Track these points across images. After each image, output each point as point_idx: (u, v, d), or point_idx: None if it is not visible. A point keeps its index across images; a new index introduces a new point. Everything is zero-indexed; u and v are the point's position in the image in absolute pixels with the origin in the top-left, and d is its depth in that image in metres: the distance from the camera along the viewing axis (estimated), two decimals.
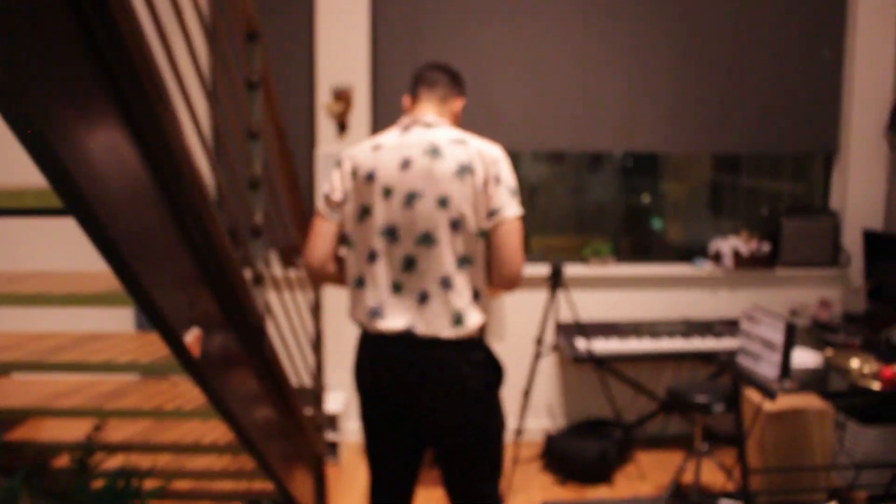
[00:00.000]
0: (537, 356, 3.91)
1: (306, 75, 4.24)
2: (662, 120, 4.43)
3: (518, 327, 4.39)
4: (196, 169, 1.57)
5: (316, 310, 3.30)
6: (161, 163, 1.45)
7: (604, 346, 4.02)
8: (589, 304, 4.39)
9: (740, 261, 4.36)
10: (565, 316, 4.13)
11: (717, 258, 4.45)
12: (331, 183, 2.27)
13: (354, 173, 2.22)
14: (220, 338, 1.86)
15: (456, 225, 2.10)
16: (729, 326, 4.25)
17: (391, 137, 2.23)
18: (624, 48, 4.37)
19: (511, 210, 2.11)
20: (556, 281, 3.88)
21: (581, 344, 4.00)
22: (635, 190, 7.70)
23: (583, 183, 7.33)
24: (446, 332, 2.13)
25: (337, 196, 2.23)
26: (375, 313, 2.19)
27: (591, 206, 7.32)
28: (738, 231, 4.67)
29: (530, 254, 4.70)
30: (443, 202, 2.10)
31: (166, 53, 1.52)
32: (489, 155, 2.13)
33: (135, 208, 1.34)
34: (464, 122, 4.24)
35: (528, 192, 6.66)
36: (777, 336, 3.11)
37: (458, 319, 2.13)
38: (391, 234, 2.16)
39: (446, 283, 2.13)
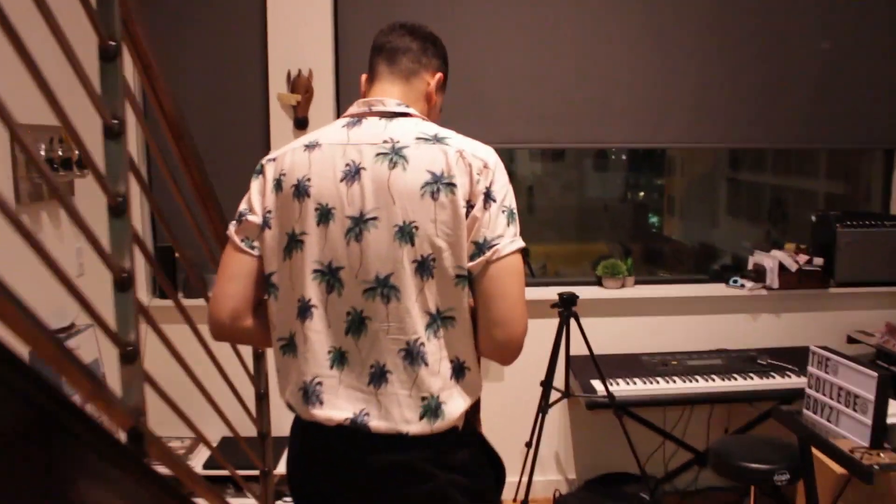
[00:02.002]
0: (544, 407, 3.14)
1: (256, 59, 3.45)
2: (688, 111, 3.66)
3: (519, 363, 3.62)
4: None
5: (258, 359, 2.52)
6: None
7: (625, 389, 3.26)
8: (604, 334, 3.62)
9: (787, 279, 3.61)
10: (576, 348, 3.36)
11: (757, 275, 3.69)
12: (248, 198, 1.53)
13: (279, 184, 1.48)
14: (39, 481, 1.08)
15: (425, 266, 1.39)
16: (774, 358, 3.49)
17: (333, 132, 1.49)
18: (643, 27, 3.59)
19: (507, 242, 1.39)
20: (567, 314, 3.12)
21: (598, 385, 3.24)
22: (644, 189, 6.88)
23: (585, 182, 6.54)
24: (414, 426, 1.40)
25: (255, 217, 1.49)
26: (309, 395, 1.46)
27: (595, 208, 6.54)
28: (772, 239, 3.92)
29: (526, 267, 3.94)
30: (405, 232, 1.38)
31: None
32: (476, 159, 1.39)
33: None
34: (446, 114, 3.49)
35: (523, 193, 5.90)
36: (865, 390, 2.35)
37: (431, 409, 1.41)
38: (330, 277, 1.43)
39: (412, 354, 1.40)
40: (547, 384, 3.17)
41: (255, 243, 1.50)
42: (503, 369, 3.62)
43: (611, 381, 3.29)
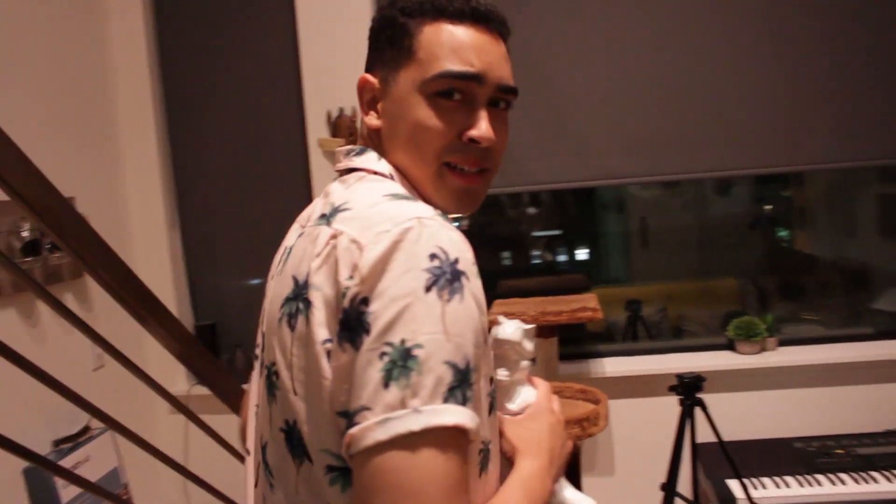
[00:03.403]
0: None
1: (291, 97, 2.91)
2: (828, 125, 2.84)
3: (633, 455, 2.89)
4: None
5: None
6: None
7: (774, 495, 2.47)
8: (741, 414, 2.84)
9: None
10: (704, 433, 2.59)
11: None
12: None
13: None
14: None
15: (294, 442, 0.77)
16: None
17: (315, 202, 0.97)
18: (766, 26, 2.82)
19: (376, 420, 0.66)
20: (690, 403, 2.37)
21: (735, 487, 2.48)
22: (772, 201, 5.94)
23: (706, 204, 5.67)
24: None
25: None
26: None
27: (718, 235, 5.66)
28: None
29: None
30: (270, 381, 0.81)
31: None
32: (353, 247, 0.72)
33: None
34: (524, 148, 2.85)
35: (634, 221, 5.13)
36: None
37: None
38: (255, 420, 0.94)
39: None
40: (669, 491, 2.43)
41: None
42: (612, 460, 2.90)
43: (753, 480, 2.52)
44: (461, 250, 0.72)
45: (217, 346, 3.02)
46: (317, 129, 2.83)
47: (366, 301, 0.68)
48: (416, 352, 0.66)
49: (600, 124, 2.87)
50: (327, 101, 2.80)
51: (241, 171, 2.97)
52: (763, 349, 2.90)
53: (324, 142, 2.82)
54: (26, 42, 2.43)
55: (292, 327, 0.74)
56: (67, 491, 2.32)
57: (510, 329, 0.98)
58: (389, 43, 0.89)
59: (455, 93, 0.86)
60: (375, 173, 0.87)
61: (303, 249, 0.77)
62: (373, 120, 0.91)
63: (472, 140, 0.87)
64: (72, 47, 2.67)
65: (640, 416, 2.86)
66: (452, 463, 0.66)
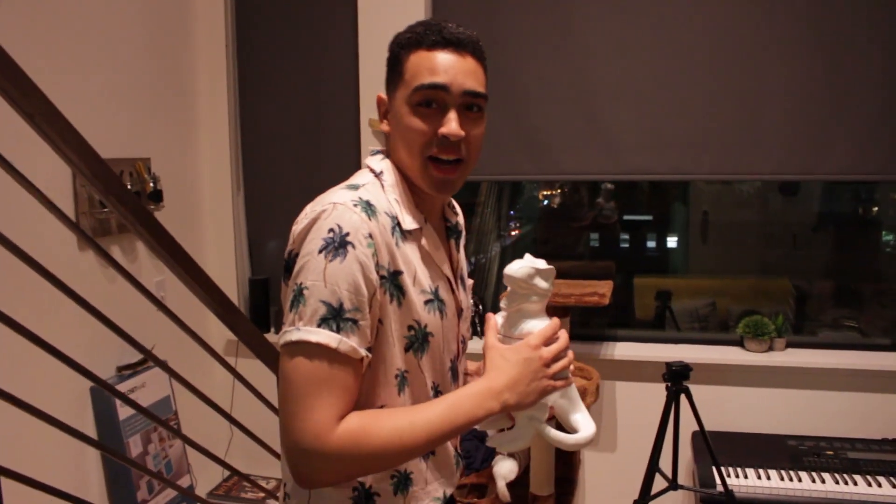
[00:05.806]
0: (642, 498, 2.60)
1: (349, 82, 3.21)
2: (864, 131, 2.90)
3: (632, 437, 3.08)
4: None
5: None
6: None
7: (753, 485, 2.63)
8: (743, 407, 2.98)
9: None
10: (710, 424, 2.76)
11: None
12: None
13: None
14: None
15: None
16: None
17: None
18: (804, 26, 2.89)
19: (283, 332, 1.06)
20: (676, 389, 2.54)
21: (717, 478, 2.64)
22: (850, 220, 5.85)
23: (771, 208, 5.63)
24: None
25: None
26: None
27: (780, 239, 5.62)
28: None
29: (692, 299, 3.38)
30: None
31: None
32: (298, 222, 1.13)
33: None
34: (552, 140, 3.02)
35: (697, 216, 5.20)
36: None
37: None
38: None
39: None
40: (650, 470, 2.62)
41: None
42: (615, 438, 3.10)
43: (738, 469, 2.68)
44: (356, 228, 1.06)
45: (268, 297, 3.39)
46: (368, 111, 3.12)
47: (297, 252, 1.08)
48: (304, 291, 1.04)
49: (628, 121, 3.01)
50: (379, 86, 3.07)
51: (300, 144, 3.30)
52: (770, 348, 3.01)
53: (373, 122, 3.10)
54: (109, 10, 2.77)
55: None
56: (124, 409, 2.73)
57: (515, 267, 1.20)
58: (390, 69, 1.23)
59: (431, 102, 1.16)
60: (371, 170, 1.25)
61: None
62: (385, 127, 1.28)
63: (444, 136, 1.15)
64: (154, 17, 3.03)
65: (642, 399, 3.04)
66: (316, 367, 1.02)
